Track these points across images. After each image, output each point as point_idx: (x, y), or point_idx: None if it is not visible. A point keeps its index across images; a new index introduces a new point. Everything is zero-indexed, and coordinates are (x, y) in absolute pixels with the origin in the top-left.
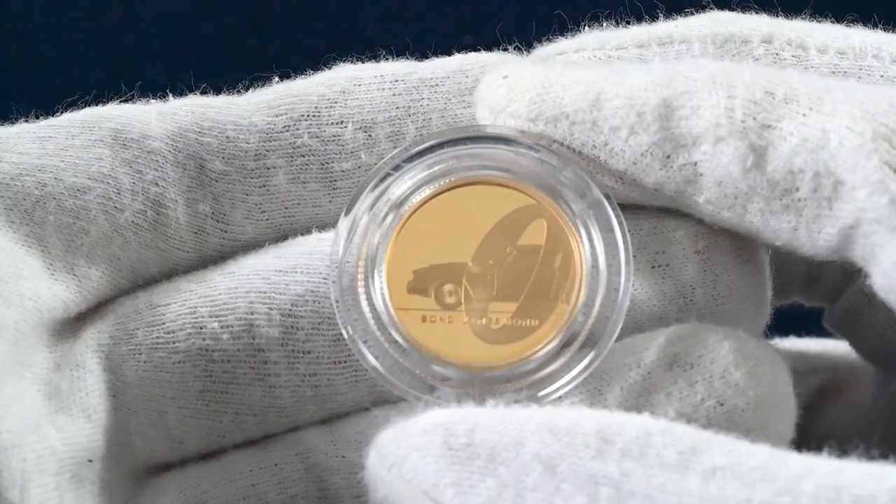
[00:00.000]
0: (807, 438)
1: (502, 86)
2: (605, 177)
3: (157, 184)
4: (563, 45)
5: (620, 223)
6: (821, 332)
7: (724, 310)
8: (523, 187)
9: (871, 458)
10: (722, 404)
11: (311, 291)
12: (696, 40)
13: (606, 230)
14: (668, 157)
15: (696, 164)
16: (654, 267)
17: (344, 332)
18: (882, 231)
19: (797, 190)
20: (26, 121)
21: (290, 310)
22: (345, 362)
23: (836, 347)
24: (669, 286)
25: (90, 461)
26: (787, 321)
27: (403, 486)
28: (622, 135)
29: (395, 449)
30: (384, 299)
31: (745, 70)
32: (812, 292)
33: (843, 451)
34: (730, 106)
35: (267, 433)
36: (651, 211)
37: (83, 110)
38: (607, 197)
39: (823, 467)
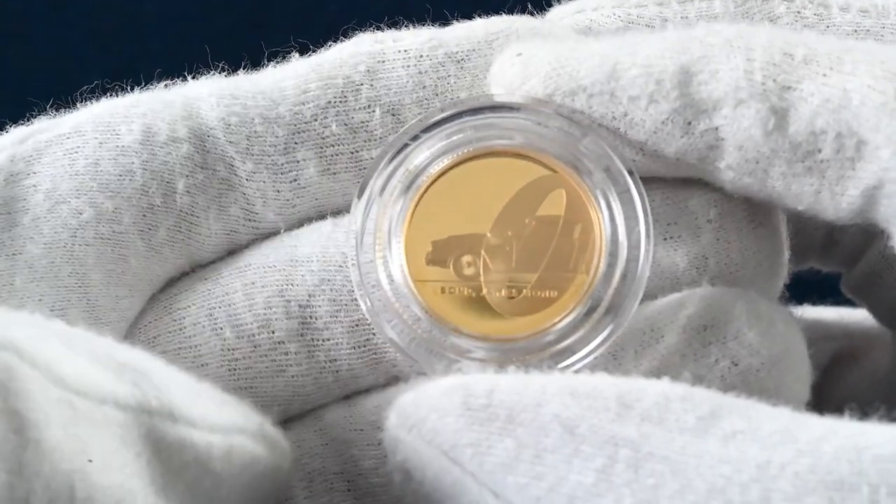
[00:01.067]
0: (824, 405)
1: (516, 64)
2: (626, 149)
3: (188, 193)
4: (581, 2)
5: (640, 192)
6: (836, 300)
7: (738, 275)
8: (542, 157)
9: (892, 420)
10: (736, 364)
11: (327, 280)
12: None
13: (626, 200)
14: (689, 123)
15: (717, 128)
16: (666, 238)
17: (363, 305)
18: None
19: (819, 151)
20: (46, 116)
21: (307, 300)
22: (364, 346)
23: (852, 315)
24: (683, 255)
25: (90, 461)
26: (803, 289)
27: (423, 446)
28: (641, 104)
29: (415, 410)
30: (403, 271)
31: (762, 32)
32: (830, 257)
33: (863, 414)
34: (749, 69)
35: (290, 417)
36: (664, 182)
37: (106, 105)
38: (627, 167)
39: (844, 429)
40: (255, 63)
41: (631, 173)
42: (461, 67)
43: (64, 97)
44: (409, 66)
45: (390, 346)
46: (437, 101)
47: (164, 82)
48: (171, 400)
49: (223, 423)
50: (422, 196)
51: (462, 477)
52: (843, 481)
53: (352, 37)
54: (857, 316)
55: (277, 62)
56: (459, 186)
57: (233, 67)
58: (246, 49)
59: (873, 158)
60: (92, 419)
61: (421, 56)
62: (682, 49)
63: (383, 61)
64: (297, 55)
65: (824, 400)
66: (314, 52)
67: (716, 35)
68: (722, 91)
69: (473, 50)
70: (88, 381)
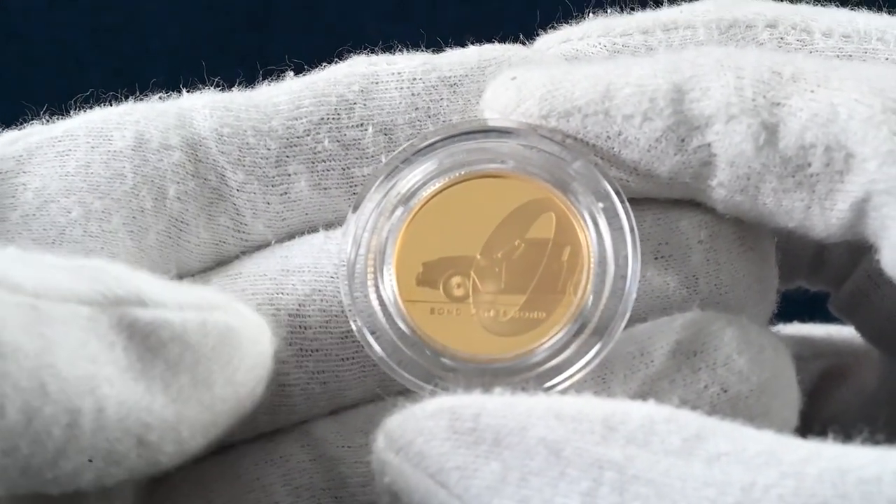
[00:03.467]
0: (811, 423)
1: (510, 87)
2: (620, 170)
3: (179, 199)
4: (567, 32)
5: (628, 215)
6: (824, 318)
7: (728, 298)
8: (532, 181)
9: (875, 442)
10: (726, 391)
11: (318, 291)
12: (701, 25)
13: (615, 222)
14: (683, 140)
15: (709, 144)
16: (657, 258)
17: (352, 323)
18: (893, 202)
19: (809, 165)
20: (38, 121)
21: (297, 310)
22: (353, 358)
23: (840, 332)
24: (673, 276)
25: (90, 461)
26: (791, 307)
27: (410, 469)
28: (636, 122)
29: (402, 433)
30: (393, 291)
31: (751, 53)
32: (818, 276)
33: (847, 435)
34: (739, 85)
35: (276, 427)
36: (656, 202)
37: (100, 112)
38: (616, 189)
39: (828, 451)
40: (256, 63)
41: (619, 195)
42: (454, 91)
43: (64, 97)
44: (402, 88)
45: (379, 364)
46: (429, 123)
47: (159, 94)
48: (138, 286)
49: (193, 300)
50: (413, 217)
51: (448, 500)
52: (827, 503)
53: (348, 54)
54: (846, 333)
55: (277, 66)
56: (450, 208)
57: (233, 67)
58: (246, 49)
59: (861, 171)
60: (56, 318)
61: (414, 79)
62: (674, 69)
63: (377, 82)
64: (292, 73)
65: (812, 417)
66: (315, 55)
67: (706, 56)
68: (714, 107)
69: (466, 75)
70: (47, 284)
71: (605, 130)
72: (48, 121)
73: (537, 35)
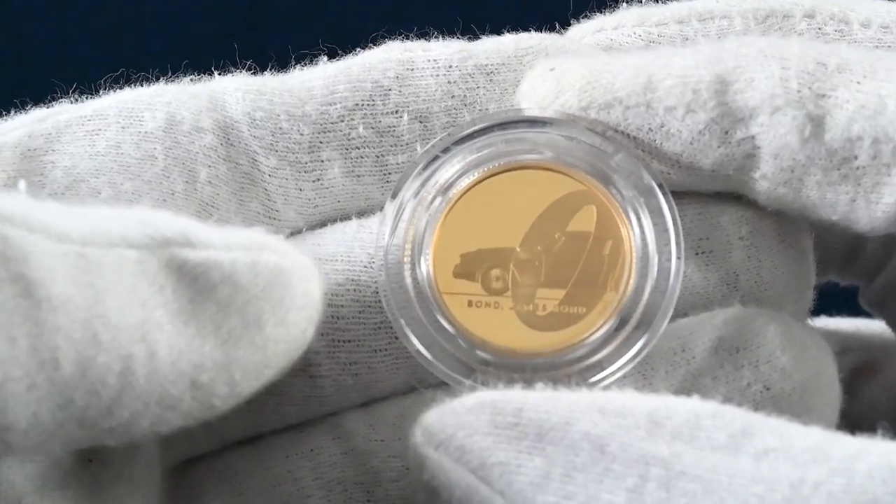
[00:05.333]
0: (841, 418)
1: (549, 79)
2: (662, 163)
3: (210, 183)
4: (600, 22)
5: (671, 209)
6: (852, 312)
7: (767, 295)
8: (573, 172)
9: None
10: (768, 388)
11: (352, 280)
12: (738, 15)
13: (657, 217)
14: (727, 132)
15: (754, 137)
16: (698, 253)
17: (389, 315)
18: None
19: (856, 158)
20: (68, 99)
21: (330, 299)
22: (385, 350)
23: (869, 327)
24: (714, 272)
25: (90, 461)
26: (820, 300)
27: (450, 464)
28: (678, 114)
29: (442, 428)
30: (430, 283)
31: (794, 43)
32: (850, 270)
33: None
34: (784, 77)
35: (306, 419)
36: (697, 197)
37: (131, 93)
38: (658, 183)
39: (878, 448)
40: (256, 63)
41: (662, 189)
42: (490, 80)
43: (64, 97)
44: (438, 76)
45: (416, 358)
46: (465, 112)
47: (191, 76)
48: (186, 228)
49: (242, 241)
50: (451, 208)
51: (490, 496)
52: (878, 500)
53: (351, 50)
54: (875, 328)
55: (277, 66)
56: (489, 200)
57: (233, 67)
58: (246, 49)
59: None
60: (104, 265)
61: (450, 66)
62: (717, 59)
63: (413, 69)
64: (326, 58)
65: (842, 413)
66: (314, 55)
67: (748, 46)
68: (758, 99)
69: (503, 64)
70: (94, 230)
71: (646, 123)
72: (77, 99)
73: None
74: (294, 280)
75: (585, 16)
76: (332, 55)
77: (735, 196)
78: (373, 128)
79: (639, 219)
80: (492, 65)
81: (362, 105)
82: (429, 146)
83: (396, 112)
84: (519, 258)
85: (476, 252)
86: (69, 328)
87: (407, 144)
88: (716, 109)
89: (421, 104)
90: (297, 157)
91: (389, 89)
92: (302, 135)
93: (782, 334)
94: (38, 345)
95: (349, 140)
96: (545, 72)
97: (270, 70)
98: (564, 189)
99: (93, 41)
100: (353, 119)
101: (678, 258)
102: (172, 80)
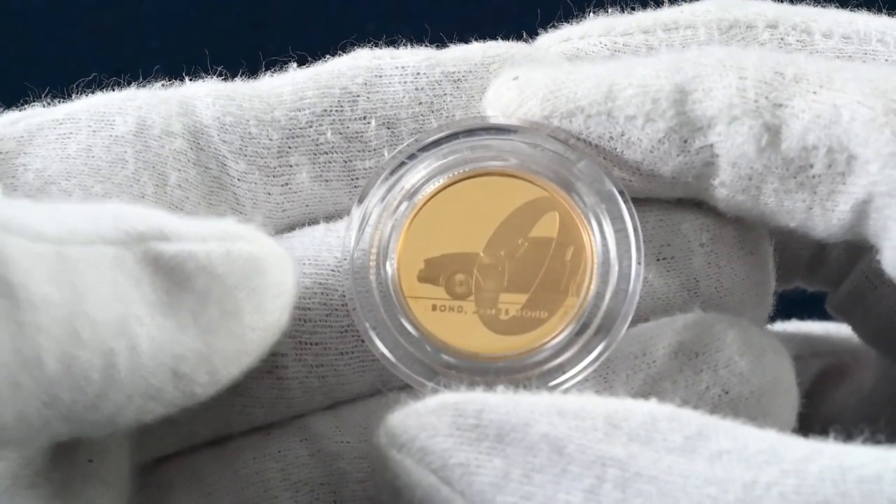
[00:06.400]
0: (810, 422)
1: (512, 87)
2: (623, 170)
3: (180, 187)
4: (568, 31)
5: (632, 216)
6: (822, 316)
7: (727, 301)
8: (537, 179)
9: (877, 442)
10: (727, 392)
11: (319, 283)
12: (702, 26)
13: (618, 223)
14: (685, 141)
15: (712, 145)
16: (659, 259)
17: (355, 319)
18: (894, 204)
19: (811, 167)
20: (40, 103)
21: (298, 302)
22: (352, 353)
23: (838, 331)
24: (674, 278)
25: (90, 461)
26: (789, 305)
27: (413, 465)
28: (638, 123)
29: (405, 429)
30: (395, 287)
31: (753, 53)
32: (815, 277)
33: (848, 434)
34: (741, 87)
35: (274, 421)
36: (658, 204)
37: (102, 97)
38: (620, 190)
39: (829, 450)
40: (255, 64)
41: (623, 196)
42: (457, 87)
43: (64, 97)
44: (406, 82)
45: (380, 360)
46: (432, 118)
47: (162, 82)
48: (159, 222)
49: (216, 231)
50: (416, 214)
51: (452, 496)
52: (828, 501)
53: (349, 49)
54: (844, 332)
55: (277, 66)
56: (454, 205)
57: (233, 67)
58: (246, 49)
59: (863, 173)
60: (82, 262)
61: (418, 73)
62: (677, 69)
63: (381, 76)
64: (295, 65)
65: (811, 417)
66: (314, 54)
67: (708, 56)
68: (716, 108)
69: (470, 71)
70: (69, 228)
71: (607, 131)
72: (49, 103)
73: (537, 34)
74: (269, 268)
75: (582, 16)
76: (332, 55)
77: (696, 203)
78: (341, 133)
79: (600, 225)
80: (459, 72)
81: (331, 111)
82: (395, 152)
83: (364, 118)
84: (482, 263)
85: (440, 257)
86: (51, 327)
87: (374, 150)
88: (675, 119)
89: (389, 110)
90: (265, 162)
91: (358, 95)
92: (271, 140)
93: (741, 339)
94: (20, 345)
95: (317, 145)
96: (509, 80)
97: (270, 70)
98: (528, 195)
99: (93, 41)
100: (321, 125)
101: (638, 263)
102: (173, 81)
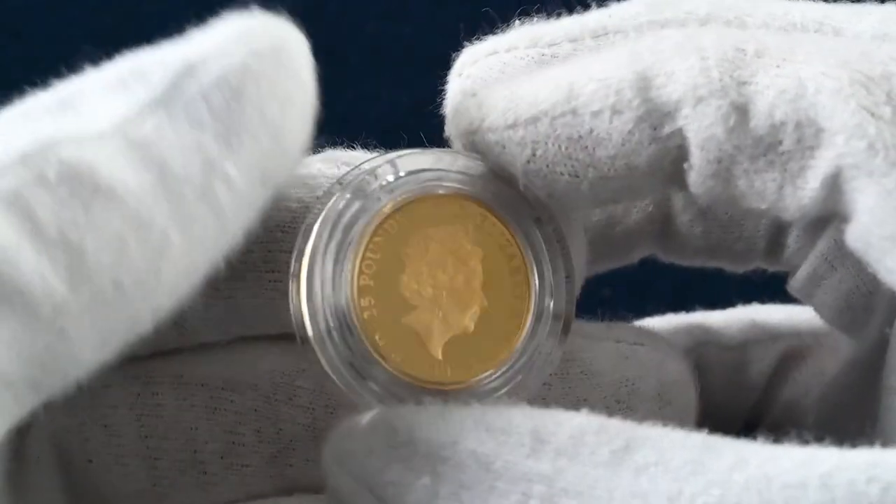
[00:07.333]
0: (772, 406)
1: (472, 106)
2: (597, 171)
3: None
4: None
5: (566, 252)
6: (784, 299)
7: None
8: (483, 203)
9: (804, 441)
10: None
11: (255, 410)
12: (632, 30)
13: (558, 267)
14: (655, 128)
15: (681, 129)
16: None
17: (299, 340)
18: (860, 176)
19: (781, 143)
20: None
21: (232, 428)
22: (280, 475)
23: (801, 314)
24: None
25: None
26: (751, 288)
27: (351, 482)
28: (605, 117)
29: (343, 444)
30: (344, 305)
31: (710, 32)
32: (775, 258)
33: (807, 418)
34: (704, 66)
35: None
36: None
37: None
38: (557, 223)
39: (756, 457)
40: None
41: (563, 245)
42: None
43: None
44: None
45: (325, 382)
46: None
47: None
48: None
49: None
50: (375, 229)
51: None
52: None
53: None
54: (806, 315)
55: None
56: (414, 226)
57: None
58: None
59: (830, 145)
60: (148, 136)
61: None
62: (635, 58)
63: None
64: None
65: (773, 400)
66: (314, 54)
67: (664, 40)
68: (681, 91)
69: None
70: (110, 116)
71: (575, 131)
72: None
73: None
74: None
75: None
76: (332, 55)
77: (623, 357)
78: None
79: (540, 266)
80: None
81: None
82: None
83: None
84: (423, 290)
85: (388, 282)
86: (154, 205)
87: None
88: (641, 107)
89: None
90: None
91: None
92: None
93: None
94: (144, 235)
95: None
96: (468, 100)
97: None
98: (474, 221)
99: (93, 41)
100: None
101: (571, 291)
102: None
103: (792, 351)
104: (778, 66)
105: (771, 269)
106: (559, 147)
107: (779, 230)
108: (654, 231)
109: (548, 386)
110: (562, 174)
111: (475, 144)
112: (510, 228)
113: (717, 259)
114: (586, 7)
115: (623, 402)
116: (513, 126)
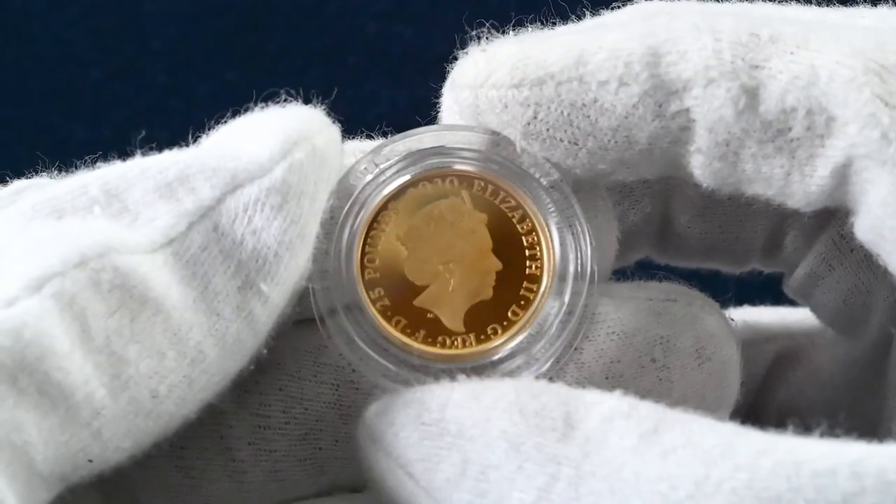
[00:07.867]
0: (767, 407)
1: (480, 60)
2: (598, 140)
3: None
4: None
5: (580, 218)
6: (777, 301)
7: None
8: (501, 184)
9: (834, 435)
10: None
11: (280, 389)
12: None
13: (578, 235)
14: (660, 105)
15: (688, 109)
16: (608, 377)
17: (320, 324)
18: (873, 166)
19: (790, 129)
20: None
21: (257, 410)
22: (309, 459)
23: (794, 314)
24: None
25: None
26: (746, 289)
27: (383, 459)
28: (611, 88)
29: (377, 422)
30: (357, 292)
31: (727, 14)
32: (772, 259)
33: (806, 427)
34: (717, 48)
35: None
36: (615, 316)
37: None
38: (567, 194)
39: (784, 444)
40: (256, 63)
41: (569, 195)
42: None
43: (64, 97)
44: None
45: (346, 363)
46: None
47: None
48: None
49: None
50: (374, 218)
51: (416, 491)
52: (780, 497)
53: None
54: (799, 315)
55: (277, 62)
56: (413, 208)
57: (233, 67)
58: (246, 49)
59: (842, 135)
60: (191, 251)
61: None
62: (649, 33)
63: None
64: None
65: (768, 402)
66: (315, 54)
67: (681, 19)
68: (692, 71)
69: None
70: (162, 230)
71: (580, 98)
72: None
73: None
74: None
75: (583, 15)
76: (332, 55)
77: (656, 313)
78: None
79: (561, 236)
80: None
81: None
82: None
83: None
84: (442, 268)
85: (401, 261)
86: (194, 320)
87: None
88: (649, 81)
89: None
90: None
91: None
92: None
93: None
94: (182, 349)
95: None
96: (477, 53)
97: (270, 70)
98: (491, 203)
99: (93, 41)
100: None
101: (593, 264)
102: (173, 81)
103: (786, 352)
104: (792, 53)
105: (767, 269)
106: (562, 112)
107: (777, 231)
108: (652, 232)
109: (579, 350)
110: (561, 140)
111: (475, 99)
112: (517, 194)
113: (713, 260)
114: (580, 15)
115: (658, 360)
116: (518, 85)
